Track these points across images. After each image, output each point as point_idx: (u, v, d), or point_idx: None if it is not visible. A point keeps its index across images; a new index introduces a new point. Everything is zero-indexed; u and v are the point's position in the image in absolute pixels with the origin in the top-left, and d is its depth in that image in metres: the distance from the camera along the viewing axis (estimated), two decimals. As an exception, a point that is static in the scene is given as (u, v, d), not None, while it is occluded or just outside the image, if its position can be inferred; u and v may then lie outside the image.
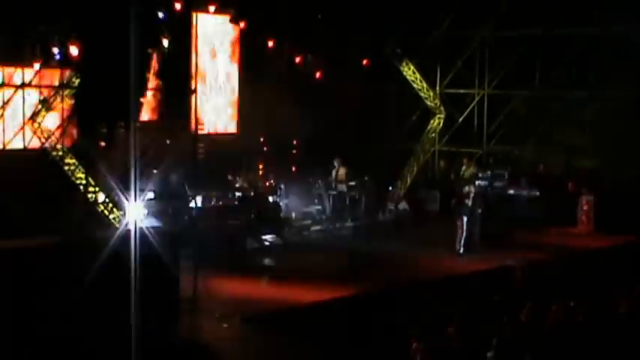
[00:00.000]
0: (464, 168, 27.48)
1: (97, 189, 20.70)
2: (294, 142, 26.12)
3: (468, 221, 21.68)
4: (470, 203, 21.73)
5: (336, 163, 25.03)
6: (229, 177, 24.07)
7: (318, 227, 24.03)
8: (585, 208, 25.25)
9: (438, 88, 29.02)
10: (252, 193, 23.52)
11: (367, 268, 19.88)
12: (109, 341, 12.99)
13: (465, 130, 29.37)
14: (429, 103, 27.91)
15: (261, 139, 25.85)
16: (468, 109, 29.29)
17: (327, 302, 16.76)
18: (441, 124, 28.09)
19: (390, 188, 26.99)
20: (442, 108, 27.96)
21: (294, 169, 25.83)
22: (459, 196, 22.08)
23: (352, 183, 25.12)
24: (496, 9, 27.47)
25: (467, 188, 22.19)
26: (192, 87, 23.36)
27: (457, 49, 28.86)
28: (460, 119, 29.33)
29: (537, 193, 25.85)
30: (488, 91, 29.00)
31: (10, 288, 12.58)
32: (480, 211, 21.97)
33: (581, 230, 25.10)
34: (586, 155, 27.09)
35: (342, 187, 24.95)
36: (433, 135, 28.33)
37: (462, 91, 29.40)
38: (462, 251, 21.61)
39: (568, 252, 22.45)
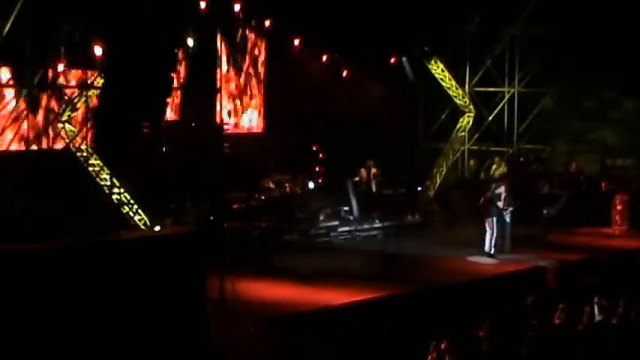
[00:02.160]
0: (494, 167, 27.15)
1: (122, 190, 20.53)
2: (321, 142, 25.85)
3: (497, 222, 21.34)
4: (502, 204, 21.39)
5: (368, 164, 24.79)
6: (256, 177, 23.88)
7: (345, 228, 23.76)
8: (619, 207, 24.96)
9: (467, 86, 28.73)
10: (279, 194, 23.32)
11: (396, 270, 19.62)
12: (137, 343, 12.90)
13: (495, 129, 29.05)
14: (458, 101, 27.61)
15: (288, 139, 25.63)
16: (498, 108, 29.01)
17: (354, 304, 16.56)
18: (471, 123, 27.77)
19: (420, 188, 26.67)
20: (472, 106, 27.65)
21: (321, 169, 25.55)
22: (486, 196, 21.73)
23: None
24: (526, 6, 27.14)
25: (498, 189, 21.81)
26: (217, 86, 23.23)
27: (486, 46, 28.56)
28: (490, 118, 29.01)
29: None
30: (519, 89, 28.69)
31: (32, 290, 12.43)
32: (510, 210, 21.61)
33: (615, 230, 24.83)
34: (620, 154, 26.74)
35: (373, 187, 24.71)
36: (463, 134, 28.02)
37: (491, 89, 29.11)
38: (492, 252, 21.28)
39: (602, 252, 22.09)
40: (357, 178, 24.87)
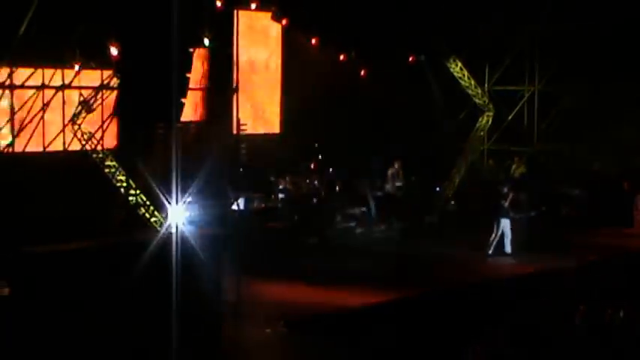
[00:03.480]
0: (514, 167, 26.94)
1: (138, 191, 20.47)
2: (338, 142, 25.72)
3: (504, 223, 21.19)
4: (506, 204, 21.23)
5: (396, 166, 24.66)
6: (272, 178, 23.80)
7: (363, 229, 23.60)
8: (641, 208, 24.70)
9: (486, 85, 28.51)
10: (296, 195, 23.24)
11: (413, 271, 19.56)
12: (151, 345, 12.87)
13: (515, 129, 28.82)
14: (477, 100, 27.39)
15: (305, 140, 25.54)
16: (518, 107, 28.80)
17: (372, 306, 16.49)
18: (490, 122, 27.54)
19: (438, 188, 26.50)
20: (491, 105, 27.42)
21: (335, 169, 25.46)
22: (497, 197, 21.59)
23: (399, 184, 24.85)
24: (545, 4, 26.92)
25: (504, 189, 21.67)
26: (234, 86, 23.16)
27: (506, 45, 28.33)
28: (510, 117, 28.79)
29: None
30: (539, 87, 28.46)
31: (49, 291, 12.45)
32: (529, 214, 21.47)
33: (637, 231, 24.53)
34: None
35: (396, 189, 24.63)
36: (482, 133, 27.79)
37: (511, 88, 28.88)
38: (509, 252, 21.09)
39: (623, 253, 21.87)
40: (390, 173, 24.70)
